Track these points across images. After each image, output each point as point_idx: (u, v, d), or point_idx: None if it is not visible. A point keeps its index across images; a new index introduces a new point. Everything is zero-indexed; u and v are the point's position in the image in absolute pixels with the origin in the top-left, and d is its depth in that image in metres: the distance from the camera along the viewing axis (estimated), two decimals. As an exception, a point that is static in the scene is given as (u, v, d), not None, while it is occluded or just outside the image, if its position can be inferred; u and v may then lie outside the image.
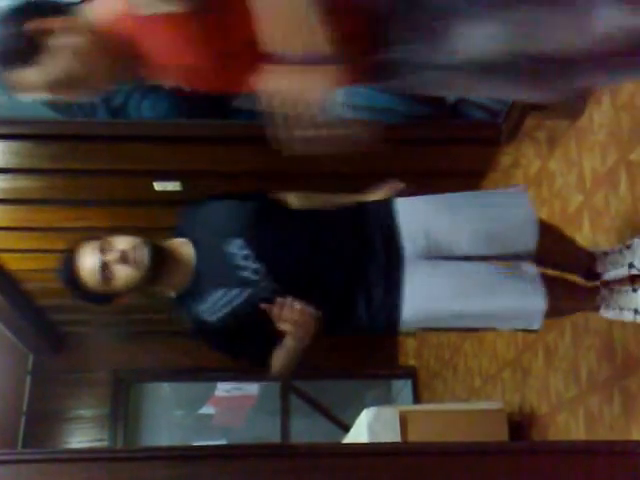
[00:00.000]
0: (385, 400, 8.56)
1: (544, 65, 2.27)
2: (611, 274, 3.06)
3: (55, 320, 7.14)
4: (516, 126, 4.12)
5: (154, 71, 2.26)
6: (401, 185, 3.07)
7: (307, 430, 7.70)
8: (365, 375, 8.06)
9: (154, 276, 2.80)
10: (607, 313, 3.05)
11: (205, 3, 2.04)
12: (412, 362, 7.68)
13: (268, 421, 7.98)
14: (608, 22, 2.12)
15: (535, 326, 2.87)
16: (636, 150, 3.36)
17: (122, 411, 7.61)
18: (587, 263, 3.14)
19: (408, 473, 2.31)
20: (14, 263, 5.70)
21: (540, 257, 2.95)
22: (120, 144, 4.33)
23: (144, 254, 2.76)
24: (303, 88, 2.01)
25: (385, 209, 2.94)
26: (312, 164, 4.11)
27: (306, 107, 2.01)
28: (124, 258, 2.74)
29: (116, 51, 2.19)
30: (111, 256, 2.74)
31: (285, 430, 7.42)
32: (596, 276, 3.11)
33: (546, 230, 3.02)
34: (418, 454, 2.44)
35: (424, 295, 2.82)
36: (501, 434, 4.47)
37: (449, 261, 2.86)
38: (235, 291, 2.80)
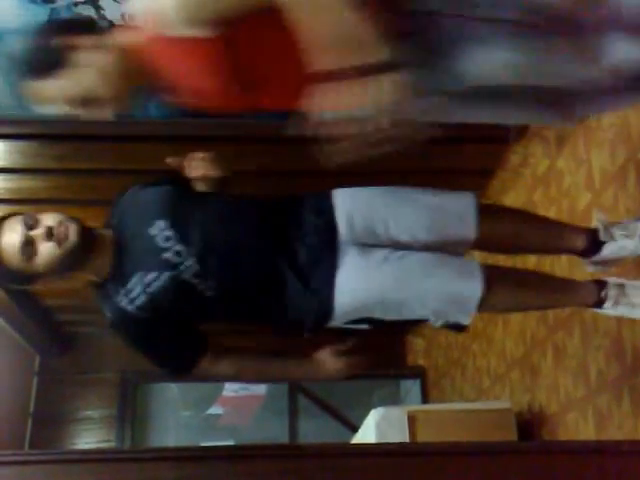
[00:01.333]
0: (393, 400, 8.52)
1: (550, 94, 2.31)
2: (617, 244, 2.92)
3: (62, 321, 7.15)
4: (525, 125, 4.12)
5: (178, 96, 2.28)
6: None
7: (315, 430, 7.72)
8: (373, 375, 7.99)
9: (79, 258, 2.69)
10: (614, 310, 2.88)
11: (233, 30, 2.05)
12: (421, 362, 7.70)
13: (276, 421, 7.99)
14: (618, 54, 2.16)
15: (469, 313, 2.78)
16: (645, 148, 3.34)
17: (129, 412, 7.62)
18: (577, 241, 2.99)
19: (416, 473, 2.30)
20: (20, 264, 5.68)
21: (509, 242, 2.94)
22: (125, 144, 4.35)
23: (70, 231, 2.64)
24: (372, 100, 2.01)
25: (322, 195, 2.88)
26: (317, 163, 4.10)
27: (370, 120, 2.04)
28: (49, 234, 2.61)
29: (139, 75, 2.22)
30: (36, 232, 2.63)
31: (293, 430, 7.43)
32: (597, 246, 2.96)
33: (499, 219, 2.97)
34: (427, 454, 2.44)
35: (357, 282, 2.71)
36: (510, 434, 4.48)
37: (384, 248, 2.76)
38: (152, 274, 2.68)
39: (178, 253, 2.68)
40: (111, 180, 4.63)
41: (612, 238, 2.90)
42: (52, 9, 3.28)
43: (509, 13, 2.16)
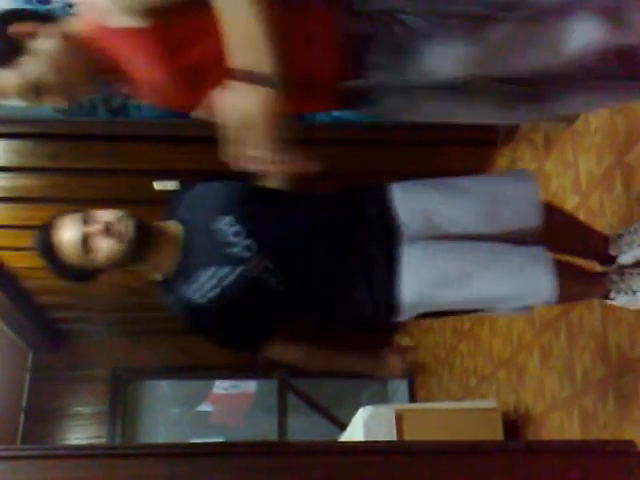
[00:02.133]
0: (381, 399, 8.57)
1: (516, 87, 2.30)
2: (627, 256, 2.96)
3: (54, 318, 7.17)
4: (513, 128, 4.15)
5: (127, 84, 2.29)
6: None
7: (304, 428, 7.70)
8: (362, 374, 8.03)
9: (138, 252, 2.69)
10: (618, 299, 2.88)
11: (167, 20, 2.07)
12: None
13: (265, 419, 8.00)
14: (582, 37, 2.16)
15: (545, 300, 2.72)
16: (631, 152, 3.38)
17: (120, 408, 7.66)
18: (600, 247, 3.04)
19: (404, 471, 2.34)
20: (14, 261, 5.73)
21: (548, 240, 2.83)
22: (120, 144, 4.36)
23: (129, 227, 2.65)
24: (241, 106, 2.00)
25: (382, 191, 2.83)
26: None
27: (252, 126, 2.01)
28: (107, 230, 2.62)
29: (88, 60, 2.23)
30: (94, 228, 2.63)
31: (282, 428, 7.43)
32: (610, 260, 3.02)
33: (553, 211, 2.96)
34: (414, 453, 2.47)
35: (424, 276, 2.68)
36: (496, 433, 4.49)
37: (448, 241, 2.73)
38: (225, 269, 2.69)
39: (248, 248, 2.69)
40: (105, 179, 4.69)
41: (622, 251, 2.96)
42: (47, 10, 3.30)
43: (464, 6, 2.19)
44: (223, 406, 8.57)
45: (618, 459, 2.39)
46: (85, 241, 2.62)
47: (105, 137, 4.29)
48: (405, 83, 2.24)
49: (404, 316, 2.76)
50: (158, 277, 2.84)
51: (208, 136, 4.31)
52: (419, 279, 2.68)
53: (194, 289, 2.72)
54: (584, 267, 3.05)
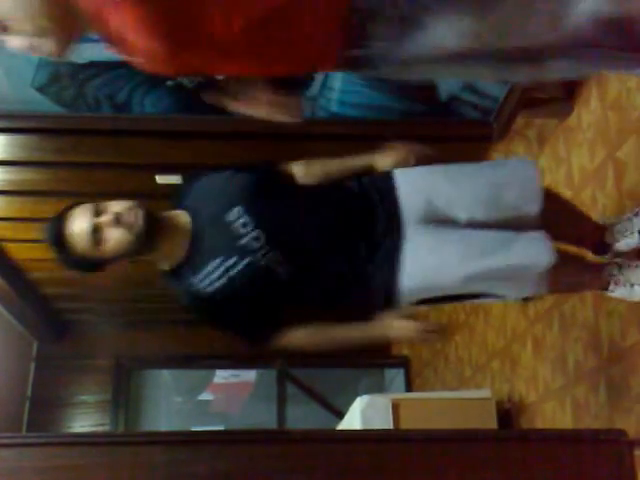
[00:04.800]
0: (378, 388, 8.61)
1: (517, 55, 2.26)
2: (621, 244, 2.99)
3: (59, 308, 7.21)
4: (507, 124, 4.14)
5: (116, 46, 2.21)
6: (418, 150, 2.94)
7: (302, 417, 7.73)
8: (359, 364, 8.12)
9: (148, 242, 2.69)
10: (616, 291, 2.92)
11: None
12: (405, 352, 7.74)
13: (265, 408, 8.02)
14: (584, 8, 2.13)
15: (540, 290, 2.77)
16: (623, 148, 3.42)
17: (123, 397, 7.69)
18: (596, 235, 3.06)
19: (400, 459, 2.40)
20: (20, 253, 5.77)
21: (546, 227, 2.80)
22: (123, 138, 4.36)
23: (138, 217, 2.64)
24: None
25: (385, 177, 2.84)
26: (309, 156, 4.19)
27: None
28: (117, 220, 2.62)
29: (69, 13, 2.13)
30: (104, 218, 2.63)
31: (281, 416, 7.45)
32: (606, 248, 3.04)
33: (552, 198, 2.95)
34: (409, 440, 2.54)
35: (426, 260, 2.68)
36: (490, 422, 4.52)
37: (450, 227, 2.73)
38: (233, 259, 2.69)
39: (256, 239, 2.69)
40: (109, 173, 4.71)
41: (617, 239, 2.99)
42: None
43: None
44: (223, 395, 8.61)
45: (609, 447, 2.47)
46: (95, 232, 2.62)
47: (108, 132, 4.29)
48: (406, 55, 2.22)
49: (405, 301, 2.76)
50: (166, 267, 2.84)
51: (209, 131, 4.37)
52: (421, 264, 2.68)
53: (200, 278, 2.72)
54: (580, 256, 3.08)
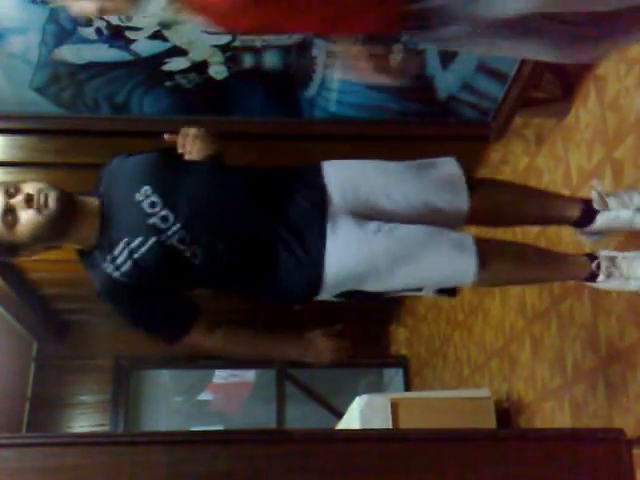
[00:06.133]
0: (377, 388, 8.60)
1: (574, 26, 2.23)
2: (612, 214, 2.85)
3: (59, 309, 7.22)
4: (505, 124, 4.14)
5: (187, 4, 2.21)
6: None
7: (302, 416, 7.75)
8: (358, 364, 8.07)
9: (61, 225, 2.62)
10: (608, 283, 2.80)
11: None
12: (403, 351, 7.75)
13: (264, 407, 8.03)
14: None
15: (462, 285, 2.78)
16: (621, 148, 3.42)
17: (123, 397, 7.68)
18: (572, 210, 2.93)
19: (399, 458, 2.42)
20: (19, 253, 5.75)
21: (500, 216, 2.91)
22: (122, 139, 4.35)
23: (52, 199, 2.57)
24: None
25: (312, 166, 2.84)
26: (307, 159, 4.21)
27: None
28: (29, 201, 2.54)
29: None
30: (16, 199, 2.55)
31: (280, 416, 7.46)
32: (593, 216, 2.89)
33: (502, 188, 2.98)
34: (408, 440, 2.55)
35: (348, 251, 2.62)
36: (489, 421, 4.52)
37: (377, 220, 2.67)
38: (138, 240, 2.60)
39: (164, 218, 2.62)
40: (108, 174, 4.73)
41: (607, 208, 2.86)
42: (51, 9, 3.33)
43: None
44: (223, 395, 8.61)
45: (607, 446, 2.48)
46: (5, 213, 2.55)
47: (108, 133, 4.27)
48: (469, 14, 2.17)
49: (326, 292, 2.72)
50: (82, 250, 2.78)
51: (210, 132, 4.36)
52: (344, 254, 2.63)
53: (108, 261, 2.64)
54: (549, 250, 3.06)
